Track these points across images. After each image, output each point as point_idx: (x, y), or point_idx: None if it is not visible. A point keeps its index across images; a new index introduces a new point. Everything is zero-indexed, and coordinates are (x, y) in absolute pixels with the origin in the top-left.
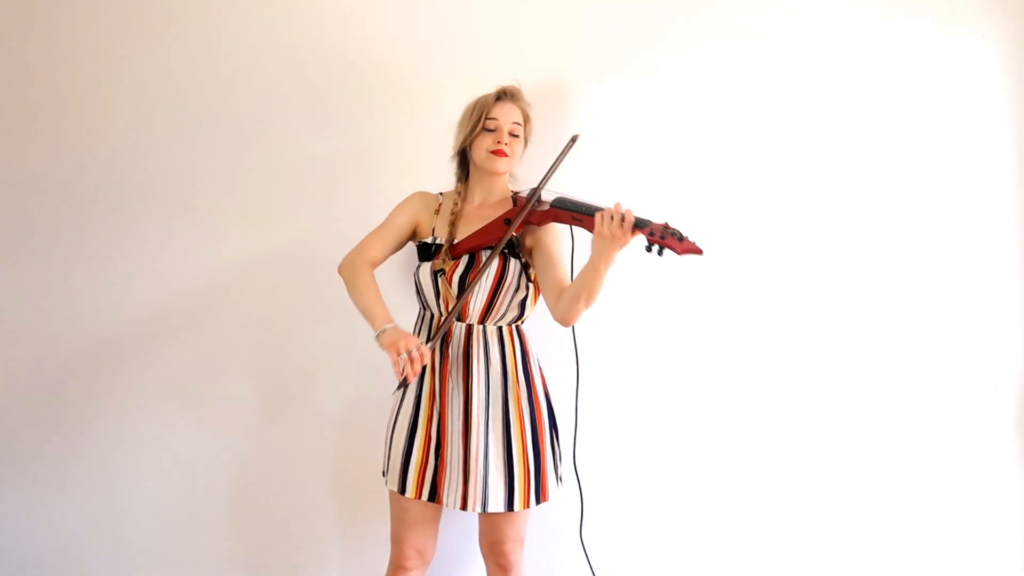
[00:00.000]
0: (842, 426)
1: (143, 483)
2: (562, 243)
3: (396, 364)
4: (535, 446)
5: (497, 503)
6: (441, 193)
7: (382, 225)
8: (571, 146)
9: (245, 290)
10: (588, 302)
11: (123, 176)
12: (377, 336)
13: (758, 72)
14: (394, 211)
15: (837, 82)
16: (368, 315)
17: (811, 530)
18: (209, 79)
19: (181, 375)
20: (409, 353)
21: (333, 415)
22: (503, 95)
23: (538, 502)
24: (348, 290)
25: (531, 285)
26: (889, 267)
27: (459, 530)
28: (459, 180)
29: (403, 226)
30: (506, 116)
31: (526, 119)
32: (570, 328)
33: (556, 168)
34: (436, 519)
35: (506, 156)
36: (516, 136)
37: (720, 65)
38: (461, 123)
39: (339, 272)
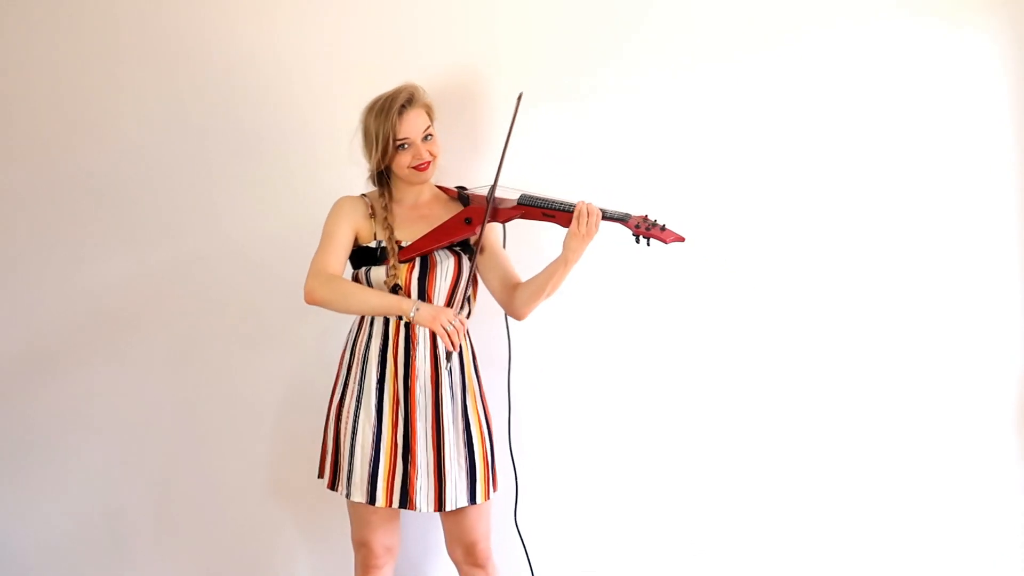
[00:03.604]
0: (842, 426)
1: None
2: (501, 237)
3: (444, 338)
4: (490, 438)
5: (462, 498)
6: (364, 195)
7: (328, 240)
8: (518, 105)
9: (175, 294)
10: (549, 296)
11: (46, 187)
12: (412, 316)
13: (759, 69)
14: (332, 223)
15: (837, 80)
16: (388, 307)
17: (792, 525)
18: (146, 85)
19: (116, 380)
20: (452, 324)
21: (267, 415)
22: (403, 108)
23: (494, 491)
24: (338, 304)
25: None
26: (889, 266)
27: (424, 529)
28: (381, 185)
29: (348, 237)
30: (415, 128)
31: (430, 112)
32: (504, 315)
33: (511, 132)
34: (399, 514)
35: (427, 168)
36: (431, 136)
37: (720, 62)
38: (365, 143)
39: (312, 298)
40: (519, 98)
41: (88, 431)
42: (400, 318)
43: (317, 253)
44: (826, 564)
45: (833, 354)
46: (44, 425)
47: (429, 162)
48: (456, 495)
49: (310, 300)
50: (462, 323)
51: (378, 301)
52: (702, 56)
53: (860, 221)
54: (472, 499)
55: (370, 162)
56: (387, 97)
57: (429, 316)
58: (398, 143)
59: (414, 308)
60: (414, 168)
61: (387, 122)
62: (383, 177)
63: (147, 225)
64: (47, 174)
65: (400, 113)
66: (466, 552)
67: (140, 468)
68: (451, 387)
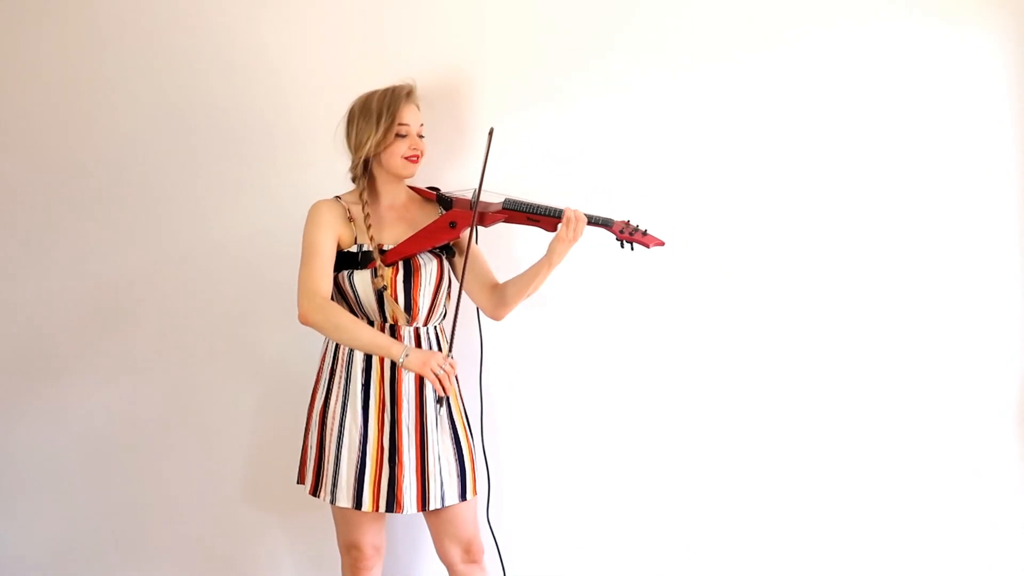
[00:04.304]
0: (840, 426)
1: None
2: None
3: (435, 384)
4: (471, 435)
5: (452, 496)
6: (338, 197)
7: (314, 255)
8: (491, 140)
9: (155, 294)
10: (529, 296)
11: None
12: (402, 362)
13: (758, 69)
14: (313, 234)
15: (837, 80)
16: (377, 347)
17: (790, 526)
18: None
19: (94, 382)
20: (443, 369)
21: (247, 418)
22: (408, 96)
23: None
24: (331, 333)
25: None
26: (889, 266)
27: (413, 529)
28: (359, 183)
29: (332, 247)
30: (415, 119)
31: (419, 110)
32: (475, 311)
33: (486, 166)
34: (384, 514)
35: (418, 161)
36: (422, 136)
37: (717, 62)
38: (362, 126)
39: (306, 322)
40: (491, 133)
41: (65, 435)
42: (384, 320)
43: (304, 268)
44: (825, 564)
45: (832, 355)
46: (19, 428)
47: (419, 156)
48: (443, 494)
49: (304, 322)
50: (452, 367)
51: (369, 339)
52: (698, 56)
53: (860, 221)
54: (463, 496)
55: (363, 148)
56: (388, 88)
57: (419, 362)
58: (399, 127)
59: (403, 354)
60: (406, 159)
61: (392, 105)
62: (365, 170)
63: (124, 225)
64: (22, 173)
65: (405, 100)
66: (464, 550)
67: (117, 473)
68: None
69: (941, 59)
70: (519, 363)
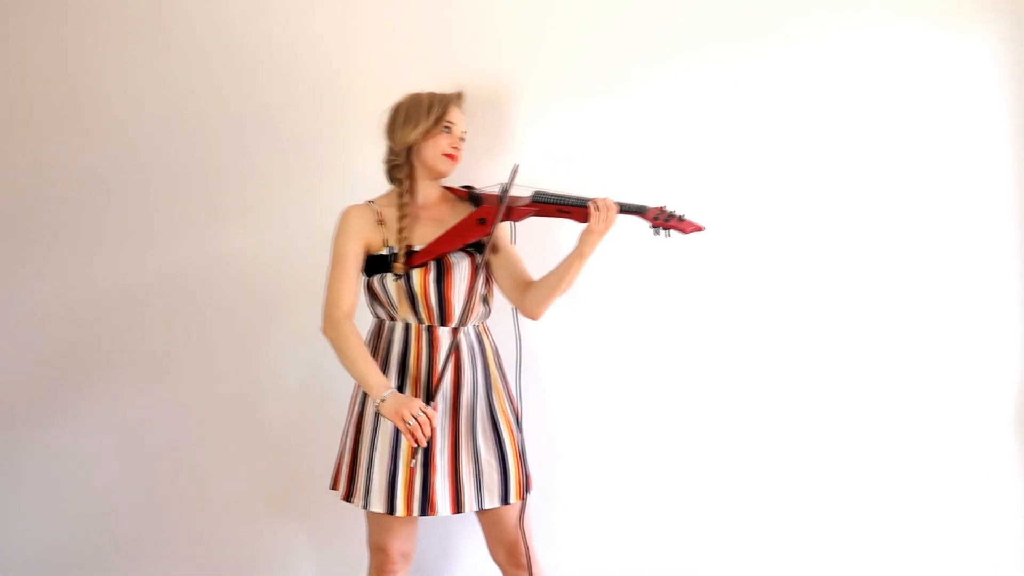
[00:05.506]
0: (843, 426)
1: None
2: (509, 235)
3: (407, 433)
4: (520, 436)
5: (492, 499)
6: (370, 201)
7: (340, 264)
8: (514, 176)
9: (179, 296)
10: (564, 292)
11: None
12: (378, 404)
13: (755, 72)
14: (341, 243)
15: (835, 82)
16: (364, 383)
17: (791, 526)
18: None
19: (115, 385)
20: (416, 418)
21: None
22: (458, 99)
23: (528, 491)
24: (336, 353)
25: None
26: (888, 267)
27: (440, 535)
28: (396, 181)
29: (359, 256)
30: (461, 121)
31: None
32: (512, 313)
33: (506, 197)
34: (417, 520)
35: (456, 160)
36: (463, 140)
37: (716, 65)
38: (409, 118)
39: (324, 335)
40: (514, 170)
41: (84, 438)
42: (420, 323)
43: (332, 280)
44: (826, 564)
45: (834, 355)
46: (40, 434)
47: (457, 155)
48: (481, 496)
49: (324, 334)
50: (429, 416)
51: (360, 372)
52: (700, 57)
53: (859, 224)
54: (505, 499)
55: (411, 134)
56: (438, 92)
57: (392, 409)
58: (446, 123)
59: (381, 397)
60: (446, 155)
61: (444, 100)
62: (406, 160)
63: (152, 226)
64: (44, 175)
65: (455, 101)
66: (508, 553)
67: (130, 476)
68: (474, 388)
69: (939, 62)
70: (559, 365)
